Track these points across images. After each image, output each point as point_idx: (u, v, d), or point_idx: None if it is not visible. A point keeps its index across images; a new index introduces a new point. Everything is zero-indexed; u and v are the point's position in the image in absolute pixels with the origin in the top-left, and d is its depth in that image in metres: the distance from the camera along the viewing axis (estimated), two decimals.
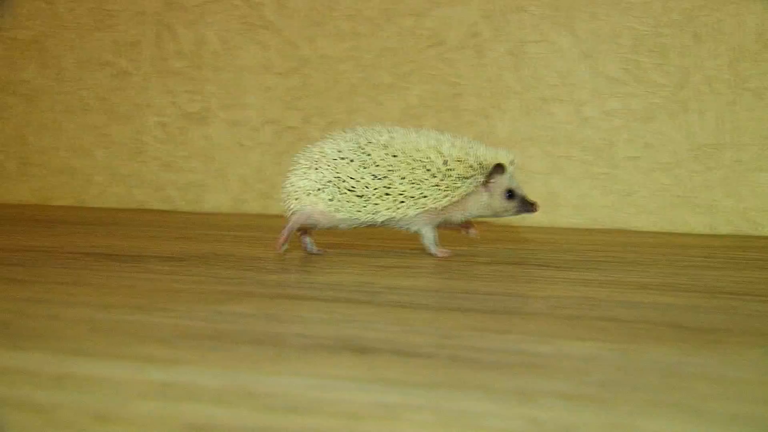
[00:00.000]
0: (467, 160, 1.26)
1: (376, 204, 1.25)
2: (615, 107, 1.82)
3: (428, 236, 1.31)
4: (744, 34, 1.73)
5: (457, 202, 1.27)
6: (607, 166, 1.83)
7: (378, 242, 1.49)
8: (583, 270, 1.19)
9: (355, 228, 1.29)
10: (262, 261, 1.22)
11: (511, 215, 1.30)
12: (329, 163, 1.26)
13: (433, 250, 1.31)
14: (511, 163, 1.28)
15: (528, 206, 1.29)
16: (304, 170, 1.27)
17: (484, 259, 1.29)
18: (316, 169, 1.26)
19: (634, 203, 1.82)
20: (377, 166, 1.24)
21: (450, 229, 1.35)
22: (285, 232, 1.28)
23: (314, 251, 1.33)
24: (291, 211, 1.28)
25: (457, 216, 1.29)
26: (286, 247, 1.29)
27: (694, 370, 0.65)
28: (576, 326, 0.81)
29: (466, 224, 1.34)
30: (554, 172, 1.86)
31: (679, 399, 0.58)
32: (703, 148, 1.77)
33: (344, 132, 1.29)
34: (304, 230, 1.33)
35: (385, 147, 1.25)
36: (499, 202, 1.28)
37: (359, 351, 0.69)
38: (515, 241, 1.49)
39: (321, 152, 1.27)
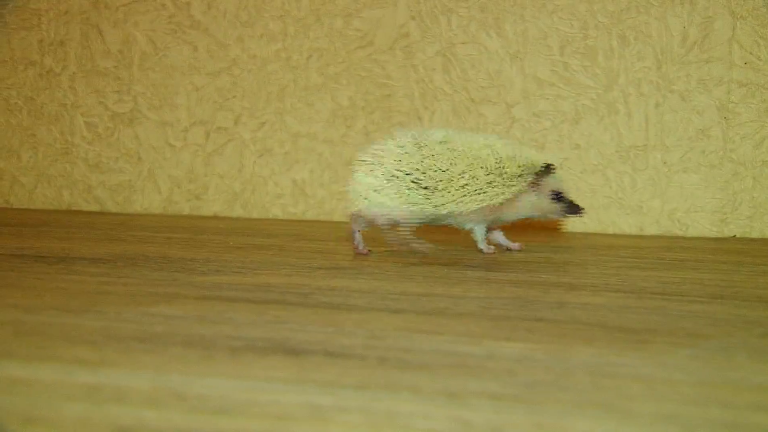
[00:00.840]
0: (518, 159, 1.29)
1: (440, 197, 1.27)
2: (544, 109, 1.83)
3: (479, 233, 1.35)
4: (669, 36, 1.75)
5: (510, 200, 1.30)
6: None
7: (308, 243, 1.49)
8: (513, 271, 1.20)
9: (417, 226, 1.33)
10: (192, 262, 1.21)
11: (557, 217, 1.36)
12: (391, 158, 1.28)
13: (482, 246, 1.35)
14: (558, 165, 1.32)
15: (574, 209, 1.33)
16: (367, 167, 1.29)
17: (415, 259, 1.29)
18: (380, 164, 1.28)
19: None
20: (438, 157, 1.27)
21: (495, 245, 1.38)
22: (356, 238, 1.33)
23: (364, 251, 1.34)
24: (359, 210, 1.30)
25: (509, 215, 1.33)
26: (366, 249, 1.33)
27: (622, 370, 0.66)
28: (505, 327, 0.81)
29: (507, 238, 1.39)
30: None
31: (607, 399, 0.58)
32: (631, 149, 1.78)
33: (402, 131, 1.31)
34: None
35: (443, 143, 1.28)
36: (547, 203, 1.32)
37: (290, 352, 0.69)
38: (447, 242, 1.49)
39: (383, 148, 1.29)
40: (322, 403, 0.57)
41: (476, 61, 1.87)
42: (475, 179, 1.27)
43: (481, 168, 1.27)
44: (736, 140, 1.73)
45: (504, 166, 1.28)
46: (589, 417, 0.55)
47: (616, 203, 1.80)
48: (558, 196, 1.32)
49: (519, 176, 1.29)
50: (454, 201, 1.27)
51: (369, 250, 1.33)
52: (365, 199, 1.29)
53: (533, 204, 1.32)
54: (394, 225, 1.31)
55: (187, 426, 0.53)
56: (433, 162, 1.27)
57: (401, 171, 1.27)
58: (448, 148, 1.27)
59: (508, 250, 1.40)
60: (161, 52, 2.07)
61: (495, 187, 1.28)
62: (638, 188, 1.78)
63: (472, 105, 1.87)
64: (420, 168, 1.27)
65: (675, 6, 1.75)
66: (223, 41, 2.03)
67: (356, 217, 1.31)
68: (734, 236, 1.73)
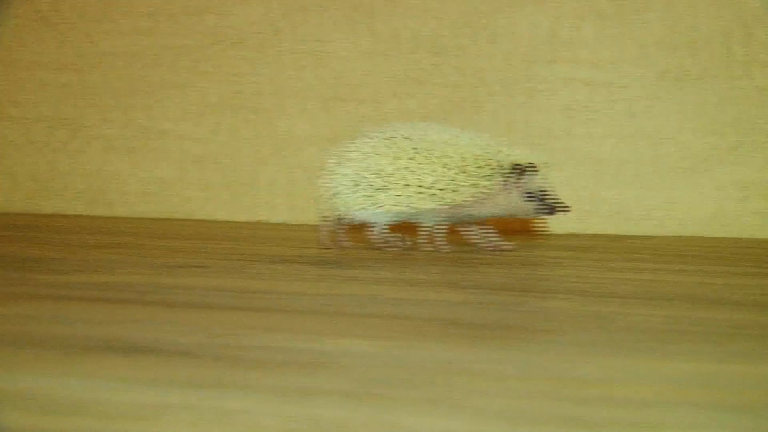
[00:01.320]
0: (486, 158, 1.29)
1: (396, 197, 1.29)
2: (410, 107, 1.83)
3: (438, 231, 1.35)
4: (538, 36, 1.76)
5: (476, 199, 1.30)
6: None
7: (159, 242, 1.47)
8: (377, 268, 1.19)
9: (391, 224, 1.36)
10: (30, 262, 1.19)
11: (531, 216, 1.37)
12: (350, 160, 1.31)
13: (440, 244, 1.36)
14: (534, 164, 1.31)
15: (549, 209, 1.32)
16: (330, 169, 1.33)
17: (267, 256, 1.28)
18: (338, 166, 1.32)
19: None
20: (397, 158, 1.29)
21: (474, 243, 1.40)
22: (324, 237, 1.37)
23: (407, 244, 1.38)
24: (326, 210, 1.35)
25: (476, 213, 1.33)
26: (334, 245, 1.37)
27: (465, 366, 0.66)
28: (344, 323, 0.81)
29: (491, 238, 1.39)
30: None
31: (445, 395, 0.58)
32: None
33: (374, 129, 1.34)
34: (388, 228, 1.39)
35: (406, 139, 1.30)
36: (518, 202, 1.31)
37: (121, 351, 0.68)
38: (307, 240, 1.48)
39: (344, 150, 1.33)
40: (152, 402, 0.56)
41: (344, 59, 1.86)
42: (431, 177, 1.28)
43: (443, 167, 1.28)
44: (598, 139, 1.75)
45: (468, 165, 1.29)
46: (426, 413, 0.55)
47: None
48: (531, 196, 1.31)
49: (485, 175, 1.29)
50: (409, 200, 1.29)
51: (348, 245, 1.38)
52: (329, 200, 1.33)
53: (504, 203, 1.31)
54: (363, 224, 1.36)
55: (14, 426, 0.52)
56: (392, 161, 1.29)
57: (358, 174, 1.30)
58: (412, 147, 1.29)
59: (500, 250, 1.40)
60: (25, 46, 2.02)
61: (455, 185, 1.29)
62: None
63: (341, 103, 1.86)
64: (375, 170, 1.30)
65: (544, 5, 1.76)
66: (90, 36, 1.99)
67: (326, 217, 1.36)
68: (592, 233, 1.74)
